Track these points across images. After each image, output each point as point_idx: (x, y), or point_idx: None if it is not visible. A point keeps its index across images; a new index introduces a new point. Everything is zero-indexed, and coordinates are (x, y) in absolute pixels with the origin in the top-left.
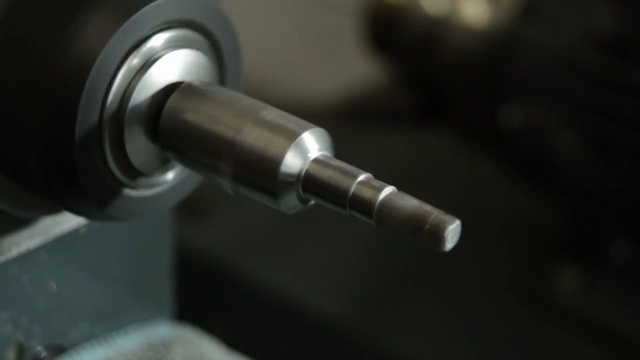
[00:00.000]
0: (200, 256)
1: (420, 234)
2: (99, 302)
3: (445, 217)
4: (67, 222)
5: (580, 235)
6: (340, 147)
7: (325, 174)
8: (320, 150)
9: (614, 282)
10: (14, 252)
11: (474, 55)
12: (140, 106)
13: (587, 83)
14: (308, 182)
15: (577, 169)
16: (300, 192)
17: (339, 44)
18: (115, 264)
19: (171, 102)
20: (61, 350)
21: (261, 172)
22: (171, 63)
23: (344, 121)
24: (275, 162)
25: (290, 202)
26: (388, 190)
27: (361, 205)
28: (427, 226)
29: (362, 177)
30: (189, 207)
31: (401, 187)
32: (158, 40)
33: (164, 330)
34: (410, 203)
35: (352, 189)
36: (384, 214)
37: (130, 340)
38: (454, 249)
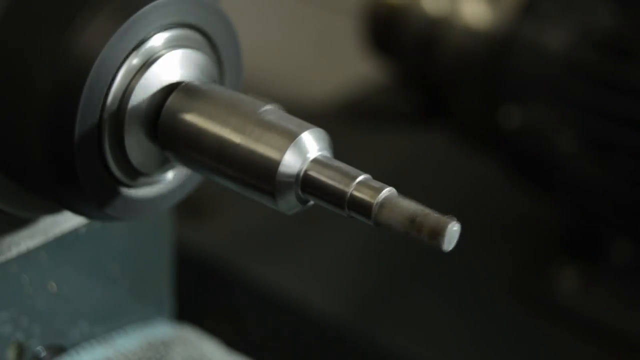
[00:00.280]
0: (200, 256)
1: (419, 235)
2: (99, 302)
3: (444, 218)
4: (67, 222)
5: (580, 235)
6: (340, 147)
7: (324, 174)
8: (319, 150)
9: (613, 282)
10: (13, 251)
11: (474, 55)
12: (140, 106)
13: (587, 83)
14: (307, 183)
15: (577, 169)
16: (299, 192)
17: (339, 44)
18: (115, 263)
19: (171, 101)
20: (61, 350)
21: (260, 172)
22: (171, 63)
23: (344, 121)
24: (274, 163)
25: (289, 202)
26: (387, 191)
27: (360, 206)
28: (426, 227)
29: (361, 178)
30: (189, 207)
31: (401, 187)
32: (158, 40)
33: (163, 330)
34: (409, 204)
35: (351, 190)
36: (382, 215)
37: (130, 340)
38: (454, 249)
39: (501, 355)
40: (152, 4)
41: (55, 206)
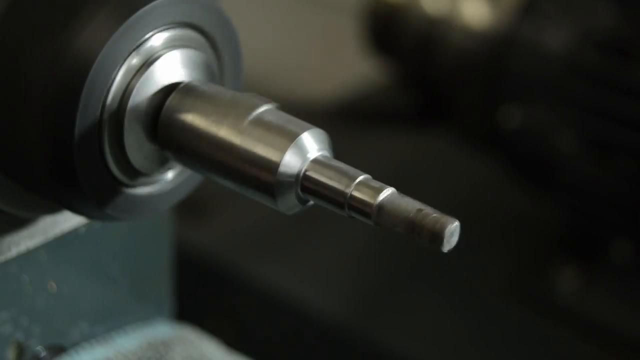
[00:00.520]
0: (200, 256)
1: (419, 235)
2: (99, 301)
3: (444, 218)
4: (67, 221)
5: (580, 235)
6: (340, 147)
7: (324, 174)
8: (319, 150)
9: (613, 282)
10: (13, 251)
11: (474, 55)
12: (139, 106)
13: (587, 83)
14: (307, 183)
15: (577, 169)
16: (299, 192)
17: (339, 44)
18: (115, 263)
19: (170, 101)
20: (61, 350)
21: (260, 172)
22: (171, 63)
23: (344, 121)
24: (274, 163)
25: (289, 202)
26: (387, 191)
27: (360, 206)
28: (426, 227)
29: (361, 178)
30: (189, 207)
31: (401, 187)
32: (158, 40)
33: (163, 330)
34: (409, 204)
35: (351, 190)
36: (382, 215)
37: (130, 340)
38: (454, 248)
39: (501, 355)
40: (152, 3)
41: (55, 206)
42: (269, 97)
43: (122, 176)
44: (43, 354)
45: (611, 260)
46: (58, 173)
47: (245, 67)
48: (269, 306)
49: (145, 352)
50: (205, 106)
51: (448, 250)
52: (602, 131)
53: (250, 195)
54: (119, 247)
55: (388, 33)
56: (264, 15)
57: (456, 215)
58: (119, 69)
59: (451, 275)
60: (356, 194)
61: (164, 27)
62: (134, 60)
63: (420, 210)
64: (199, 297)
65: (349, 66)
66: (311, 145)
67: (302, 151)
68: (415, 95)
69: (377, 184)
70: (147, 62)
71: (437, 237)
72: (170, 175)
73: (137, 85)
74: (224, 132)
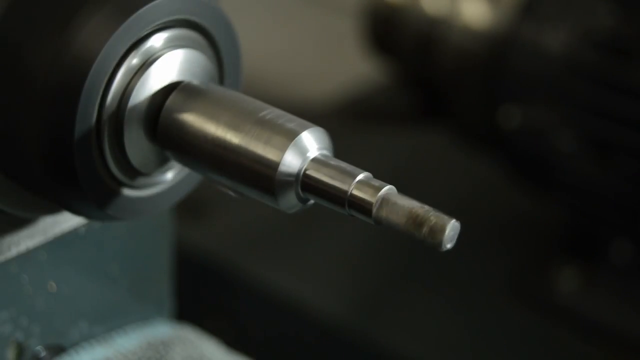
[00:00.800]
0: (200, 256)
1: (418, 234)
2: (99, 301)
3: (444, 217)
4: (67, 221)
5: (580, 235)
6: (340, 147)
7: (324, 173)
8: (319, 149)
9: (613, 282)
10: (13, 251)
11: (474, 55)
12: (139, 106)
13: (587, 83)
14: (307, 182)
15: (577, 169)
16: (299, 191)
17: (339, 44)
18: (114, 263)
19: (170, 101)
20: (60, 349)
21: (260, 171)
22: (170, 63)
23: (344, 121)
24: (274, 162)
25: (289, 201)
26: (387, 189)
27: (360, 204)
28: (426, 226)
29: (361, 176)
30: (189, 207)
31: (401, 186)
32: (157, 40)
33: (163, 330)
34: (409, 203)
35: (351, 189)
36: (382, 213)
37: (130, 340)
38: (454, 248)
39: (501, 355)
40: (151, 3)
41: (55, 206)
42: (269, 96)
43: (121, 176)
44: (43, 353)
45: (611, 260)
46: (58, 173)
47: (245, 67)
48: (269, 306)
49: (145, 352)
50: (205, 106)
51: (447, 250)
52: (602, 131)
53: (251, 195)
54: (118, 247)
55: (388, 33)
56: (264, 15)
57: (456, 215)
58: (118, 69)
59: (451, 275)
60: (357, 192)
61: (164, 27)
62: (134, 60)
63: (419, 209)
64: (198, 297)
65: (349, 66)
66: (311, 144)
67: (302, 150)
68: (415, 95)
69: (377, 182)
70: (147, 62)
71: (437, 236)
72: (170, 175)
73: (137, 85)
74: (224, 131)
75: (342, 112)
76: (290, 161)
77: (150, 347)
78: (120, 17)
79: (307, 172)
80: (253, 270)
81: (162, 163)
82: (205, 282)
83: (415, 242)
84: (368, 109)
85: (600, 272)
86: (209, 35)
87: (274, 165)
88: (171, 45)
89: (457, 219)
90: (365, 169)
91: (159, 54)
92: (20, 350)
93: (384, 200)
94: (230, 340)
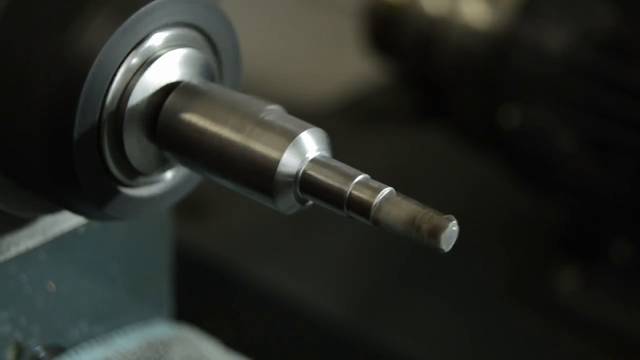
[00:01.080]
0: (199, 256)
1: (418, 235)
2: (98, 301)
3: (443, 218)
4: (66, 221)
5: (580, 235)
6: (340, 147)
7: (323, 174)
8: (318, 150)
9: (613, 282)
10: (13, 251)
11: (474, 55)
12: (139, 105)
13: (587, 83)
14: (305, 183)
15: (577, 169)
16: (298, 192)
17: (339, 44)
18: (114, 263)
19: (170, 101)
20: (60, 350)
21: (259, 172)
22: (170, 62)
23: (343, 121)
24: (273, 162)
25: (288, 202)
26: (386, 191)
27: (358, 206)
28: (425, 227)
29: (360, 177)
30: (189, 207)
31: (401, 187)
32: (157, 40)
33: (162, 330)
34: (407, 204)
35: (350, 190)
36: (381, 215)
37: (129, 340)
38: (454, 248)
39: (501, 355)
40: (151, 3)
41: (54, 206)
42: (269, 97)
43: (121, 176)
44: (42, 354)
45: (611, 260)
46: (57, 173)
47: (244, 67)
48: (269, 306)
49: (144, 352)
50: (204, 106)
51: (447, 250)
52: (602, 131)
53: (249, 195)
54: (118, 247)
55: (388, 33)
56: (264, 15)
57: (456, 215)
58: (118, 69)
59: (451, 275)
60: (355, 193)
61: (164, 27)
62: (134, 60)
63: (418, 210)
64: (198, 297)
65: (348, 66)
66: (310, 144)
67: (301, 151)
68: (415, 95)
69: (376, 183)
70: (147, 62)
71: (436, 237)
72: (169, 175)
73: (137, 85)
74: (223, 131)
75: (341, 112)
76: (289, 162)
77: (150, 347)
78: (121, 17)
79: (306, 172)
80: (253, 270)
81: (161, 163)
82: (205, 282)
83: (414, 243)
84: (368, 109)
85: (600, 272)
86: (209, 35)
87: (273, 166)
88: (171, 44)
89: (457, 219)
90: (364, 169)
91: (159, 53)
92: (20, 351)
93: (383, 202)
94: (230, 340)
